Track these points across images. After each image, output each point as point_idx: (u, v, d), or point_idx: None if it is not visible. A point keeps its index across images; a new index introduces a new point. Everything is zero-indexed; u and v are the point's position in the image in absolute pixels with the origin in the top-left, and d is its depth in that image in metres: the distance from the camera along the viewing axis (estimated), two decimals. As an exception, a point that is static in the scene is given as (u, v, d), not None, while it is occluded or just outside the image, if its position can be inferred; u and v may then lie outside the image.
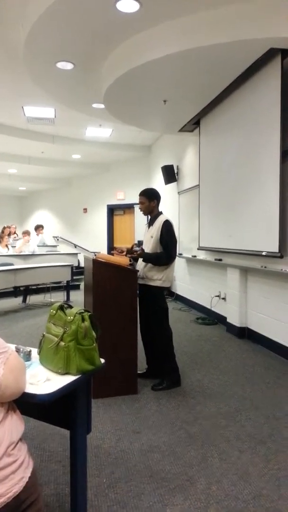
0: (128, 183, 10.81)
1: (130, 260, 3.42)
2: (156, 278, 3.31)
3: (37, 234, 10.00)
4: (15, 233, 10.91)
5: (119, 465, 2.23)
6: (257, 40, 3.51)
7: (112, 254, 3.53)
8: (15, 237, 10.37)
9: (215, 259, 5.71)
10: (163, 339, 3.39)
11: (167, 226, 3.35)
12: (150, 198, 3.47)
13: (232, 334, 5.13)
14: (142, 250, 3.38)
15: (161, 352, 3.43)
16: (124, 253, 3.45)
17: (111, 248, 11.53)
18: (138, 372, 3.46)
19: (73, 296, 8.12)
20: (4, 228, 9.64)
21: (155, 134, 8.56)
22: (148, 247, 3.39)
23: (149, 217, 3.59)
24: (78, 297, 7.95)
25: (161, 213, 3.51)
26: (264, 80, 4.10)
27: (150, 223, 3.51)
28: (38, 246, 9.35)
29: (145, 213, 3.55)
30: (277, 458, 2.29)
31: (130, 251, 3.50)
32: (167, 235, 3.32)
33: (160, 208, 3.59)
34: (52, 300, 7.93)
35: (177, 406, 3.01)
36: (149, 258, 3.32)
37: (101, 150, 9.41)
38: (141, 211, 3.55)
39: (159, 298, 3.39)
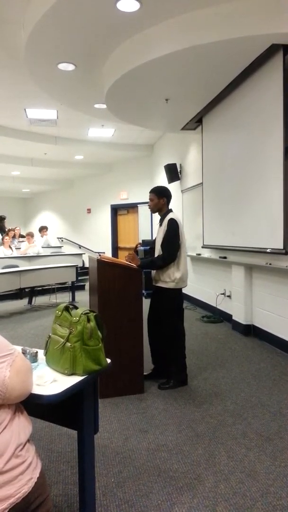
0: (131, 182, 10.82)
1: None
2: (168, 280, 3.28)
3: (42, 236, 10.04)
4: (20, 235, 10.94)
5: (127, 464, 2.24)
6: (259, 36, 3.50)
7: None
8: (19, 240, 10.40)
9: (220, 257, 5.70)
10: (176, 339, 3.37)
11: (171, 225, 3.28)
12: (159, 195, 3.42)
13: (238, 331, 5.13)
14: (139, 260, 3.31)
15: (172, 351, 3.41)
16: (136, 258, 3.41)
17: (116, 248, 11.56)
18: (144, 373, 3.46)
19: (78, 296, 8.15)
20: (9, 230, 9.67)
21: (157, 133, 8.55)
22: (159, 247, 3.38)
23: (160, 215, 3.53)
24: (83, 298, 7.97)
25: (170, 211, 3.45)
26: (266, 76, 4.08)
27: (160, 222, 3.47)
28: (42, 247, 9.38)
29: (153, 211, 3.50)
30: (284, 455, 2.29)
31: (135, 252, 3.50)
32: (168, 235, 3.27)
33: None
34: (57, 301, 7.96)
35: (183, 405, 3.01)
36: (145, 266, 3.30)
37: (104, 150, 9.42)
38: (149, 208, 3.53)
39: (173, 299, 3.35)
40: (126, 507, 1.87)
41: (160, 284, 3.34)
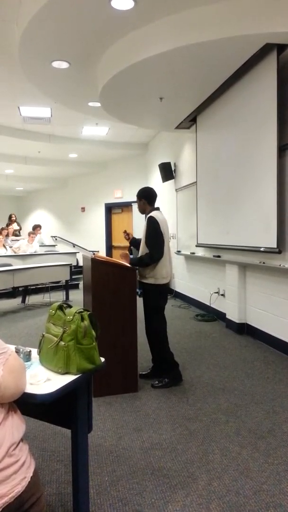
0: (125, 181, 10.80)
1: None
2: (148, 276, 3.32)
3: (36, 234, 10.01)
4: (13, 233, 10.93)
5: (121, 463, 2.24)
6: (253, 36, 3.51)
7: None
8: (12, 238, 10.39)
9: (214, 256, 5.72)
10: (156, 336, 3.41)
11: (150, 223, 3.31)
12: (139, 198, 3.51)
13: (232, 330, 5.15)
14: (131, 258, 3.38)
15: (160, 349, 3.43)
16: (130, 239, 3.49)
17: (110, 247, 11.54)
18: (142, 373, 3.48)
19: (72, 295, 8.13)
20: (2, 229, 9.64)
21: (151, 131, 8.55)
22: (142, 246, 3.43)
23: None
24: (77, 297, 7.96)
25: (152, 209, 3.48)
26: (260, 75, 4.09)
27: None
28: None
29: (141, 213, 3.58)
30: (277, 453, 2.31)
31: (129, 250, 3.53)
32: (150, 233, 3.30)
33: (158, 205, 3.58)
34: (51, 300, 7.93)
35: (177, 403, 3.02)
36: (134, 263, 3.33)
37: (98, 149, 9.39)
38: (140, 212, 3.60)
39: (153, 295, 3.39)
40: (120, 506, 1.88)
41: (142, 280, 3.39)
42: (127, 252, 3.51)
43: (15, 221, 11.45)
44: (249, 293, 4.95)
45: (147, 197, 3.50)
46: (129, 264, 3.28)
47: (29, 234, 9.02)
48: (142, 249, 3.38)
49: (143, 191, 3.54)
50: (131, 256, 3.43)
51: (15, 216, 11.56)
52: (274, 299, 4.35)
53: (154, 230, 3.30)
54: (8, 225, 11.01)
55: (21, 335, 5.17)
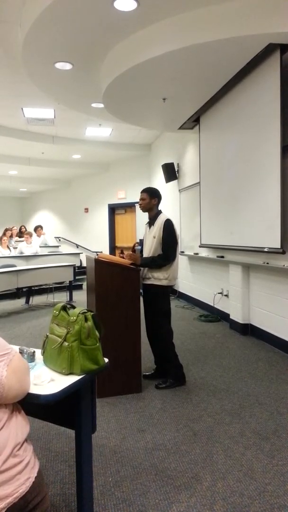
0: (129, 182, 10.81)
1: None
2: (162, 277, 3.31)
3: (38, 236, 10.02)
4: (17, 234, 10.96)
5: (125, 463, 2.24)
6: (256, 36, 3.50)
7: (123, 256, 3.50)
8: (16, 239, 10.42)
9: (217, 256, 5.71)
10: (164, 338, 3.40)
11: (169, 227, 3.33)
12: (151, 196, 3.47)
13: (235, 330, 5.14)
14: (140, 257, 3.36)
15: (163, 351, 3.44)
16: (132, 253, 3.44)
17: (113, 248, 11.55)
18: (145, 373, 3.48)
19: (76, 296, 8.14)
20: (6, 230, 9.68)
21: (155, 132, 8.55)
22: (150, 247, 3.39)
23: (149, 216, 3.57)
24: (81, 297, 7.98)
25: (160, 212, 3.50)
26: (263, 75, 4.08)
27: (151, 222, 3.50)
28: (40, 247, 9.37)
29: (144, 210, 3.54)
30: (282, 454, 2.30)
31: (133, 251, 3.51)
32: (168, 236, 3.31)
33: (161, 206, 3.59)
34: (55, 300, 7.95)
35: (181, 404, 3.01)
36: (146, 264, 3.33)
37: (101, 150, 9.41)
38: (140, 207, 3.55)
39: (163, 297, 3.39)
40: (124, 506, 1.88)
41: (152, 282, 3.35)
42: (133, 252, 3.49)
43: (25, 232, 11.38)
44: (253, 293, 4.94)
45: (160, 198, 3.53)
46: (140, 264, 3.28)
47: (24, 234, 9.05)
48: (154, 251, 3.35)
49: (158, 192, 3.54)
50: (141, 250, 3.42)
51: (25, 228, 11.52)
52: (278, 299, 4.33)
53: (173, 233, 3.34)
54: (20, 237, 10.93)
55: (25, 335, 5.19)
